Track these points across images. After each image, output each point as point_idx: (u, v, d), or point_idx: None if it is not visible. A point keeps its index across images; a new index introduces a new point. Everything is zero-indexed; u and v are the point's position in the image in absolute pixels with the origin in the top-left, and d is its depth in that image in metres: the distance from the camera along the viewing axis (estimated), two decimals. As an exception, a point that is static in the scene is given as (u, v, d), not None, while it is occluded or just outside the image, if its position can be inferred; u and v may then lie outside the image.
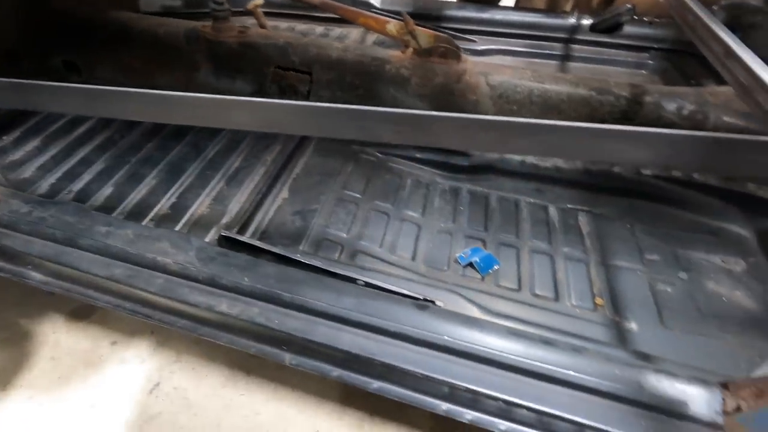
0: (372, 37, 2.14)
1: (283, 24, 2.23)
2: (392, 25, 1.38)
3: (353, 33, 2.18)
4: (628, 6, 1.98)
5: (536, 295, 1.11)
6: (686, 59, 2.01)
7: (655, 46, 2.07)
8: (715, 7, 1.96)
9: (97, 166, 1.35)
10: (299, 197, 1.28)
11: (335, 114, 0.63)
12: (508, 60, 2.13)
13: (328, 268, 0.97)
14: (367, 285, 0.94)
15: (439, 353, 0.78)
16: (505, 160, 1.45)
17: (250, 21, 1.70)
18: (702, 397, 0.72)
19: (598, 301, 1.10)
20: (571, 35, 2.12)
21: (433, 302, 0.94)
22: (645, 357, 0.95)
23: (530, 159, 1.44)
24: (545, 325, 1.02)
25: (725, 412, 0.68)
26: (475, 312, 1.02)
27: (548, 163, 1.43)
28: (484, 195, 1.39)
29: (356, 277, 0.97)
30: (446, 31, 2.16)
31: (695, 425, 0.70)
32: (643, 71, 2.06)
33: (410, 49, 1.42)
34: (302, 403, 1.22)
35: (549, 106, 1.37)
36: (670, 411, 0.71)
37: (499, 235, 1.26)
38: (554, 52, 2.13)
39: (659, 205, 1.36)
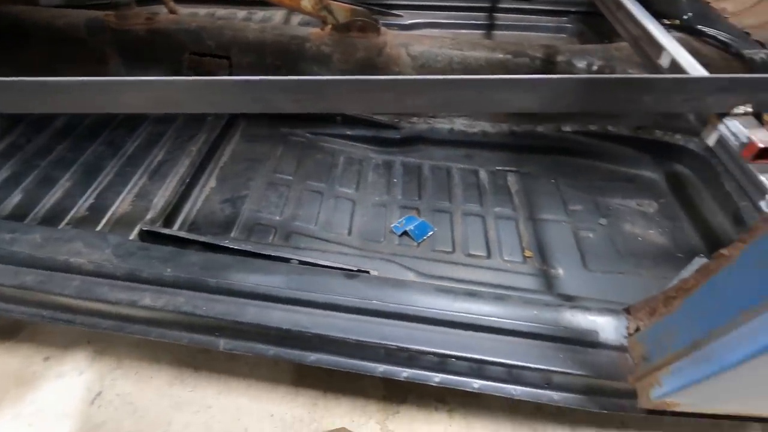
0: (297, 19, 2.09)
1: (203, 10, 2.13)
2: (307, 1, 1.36)
3: (277, 15, 2.12)
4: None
5: (470, 255, 1.15)
6: (600, 20, 2.10)
7: (572, 9, 2.15)
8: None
9: (2, 174, 1.25)
10: (228, 185, 1.25)
11: (229, 87, 0.62)
12: (435, 32, 2.14)
13: (258, 251, 0.96)
14: (301, 263, 0.94)
15: (370, 318, 0.80)
16: (435, 129, 1.47)
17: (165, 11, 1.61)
18: (610, 325, 0.78)
19: (527, 253, 1.16)
20: (494, 4, 2.16)
21: (367, 272, 0.96)
22: (568, 298, 1.02)
23: (458, 126, 1.48)
24: (478, 281, 1.06)
25: (629, 335, 0.74)
26: (410, 277, 1.05)
27: (476, 129, 1.47)
28: (416, 165, 1.41)
29: (290, 257, 0.97)
30: (373, 7, 2.15)
31: (605, 350, 0.76)
32: (563, 35, 2.14)
33: (329, 26, 1.40)
34: (255, 390, 1.21)
35: (469, 72, 1.40)
36: (584, 341, 0.77)
37: (433, 202, 1.29)
38: (479, 22, 2.17)
39: (580, 159, 1.44)
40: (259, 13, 2.13)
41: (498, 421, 1.11)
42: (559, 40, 2.12)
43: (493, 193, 1.33)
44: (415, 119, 1.49)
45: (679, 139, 1.37)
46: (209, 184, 1.25)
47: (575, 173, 1.40)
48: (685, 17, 1.59)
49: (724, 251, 0.54)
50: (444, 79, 0.62)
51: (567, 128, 1.46)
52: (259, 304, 0.81)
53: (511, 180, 1.39)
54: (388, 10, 2.15)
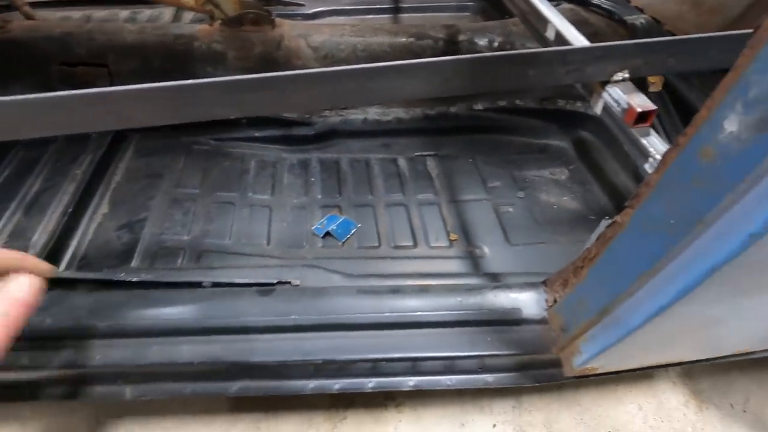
0: (190, 16, 1.92)
1: (77, 13, 1.89)
2: (188, -4, 1.23)
3: (166, 13, 1.93)
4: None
5: (397, 247, 1.13)
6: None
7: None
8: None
9: None
10: (123, 208, 1.12)
11: (70, 103, 0.52)
12: (341, 20, 2.08)
13: (162, 280, 0.86)
14: (215, 285, 0.86)
15: (290, 334, 0.74)
16: (349, 121, 1.42)
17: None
18: (531, 299, 0.79)
19: (453, 236, 1.16)
20: (396, -11, 2.13)
21: (288, 283, 0.90)
22: (494, 277, 1.03)
23: (372, 116, 1.44)
24: (406, 273, 1.04)
25: (548, 307, 0.75)
26: (336, 280, 1.00)
27: (390, 116, 1.44)
28: (334, 161, 1.36)
29: (201, 280, 0.88)
30: (272, -3, 2.04)
31: (529, 326, 0.77)
32: (467, 13, 2.17)
33: (218, 21, 1.29)
34: (189, 426, 1.11)
35: (375, 59, 1.36)
36: (509, 320, 0.77)
37: (355, 197, 1.25)
38: (384, 6, 2.13)
39: (494, 135, 1.46)
40: (146, 12, 1.93)
41: (446, 407, 1.11)
42: (463, 19, 2.15)
43: (414, 180, 1.32)
44: (327, 113, 1.43)
45: (579, 106, 1.43)
46: (101, 209, 1.11)
47: (491, 150, 1.42)
48: (573, -12, 1.66)
49: (617, 218, 0.54)
50: (321, 72, 0.57)
51: (479, 106, 1.47)
52: (163, 341, 0.72)
53: (431, 164, 1.38)
54: (290, 0, 2.05)
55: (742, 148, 0.37)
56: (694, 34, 0.62)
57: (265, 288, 0.81)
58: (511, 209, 1.23)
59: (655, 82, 1.26)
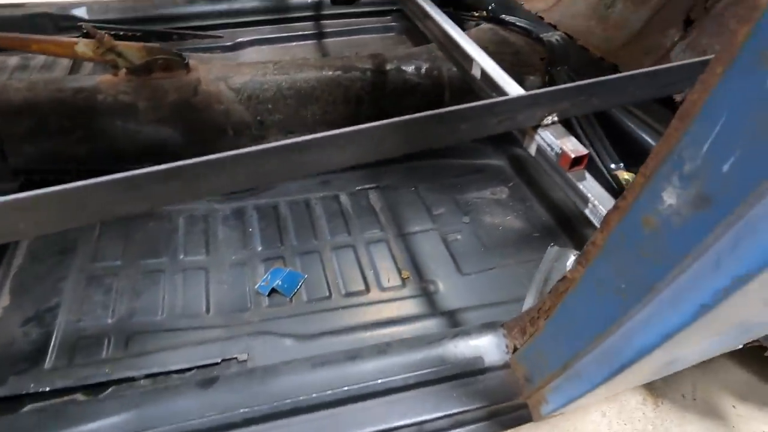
0: (89, 65, 1.75)
1: (-47, 65, 1.66)
2: (83, 45, 1.11)
3: (63, 61, 1.75)
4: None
5: (348, 294, 1.07)
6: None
7: (393, 8, 2.19)
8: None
9: None
10: (29, 297, 0.97)
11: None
12: (264, 49, 2.00)
13: (84, 384, 0.75)
14: (149, 377, 0.76)
15: (241, 430, 0.67)
16: (282, 161, 1.35)
17: None
18: (492, 344, 0.77)
19: (405, 274, 1.12)
20: (317, 12, 2.09)
21: (234, 359, 0.81)
22: (451, 315, 1.01)
23: (307, 153, 1.38)
24: (362, 324, 0.99)
25: (510, 353, 0.73)
26: (288, 345, 0.93)
27: (326, 151, 1.39)
28: (271, 206, 1.28)
29: (132, 374, 0.78)
30: (187, 32, 1.92)
31: (493, 373, 0.74)
32: (391, 33, 2.17)
33: (123, 70, 1.17)
34: None
35: (304, 96, 1.30)
36: (473, 371, 0.74)
37: (298, 244, 1.18)
38: (307, 32, 2.08)
39: (432, 160, 1.46)
40: (39, 58, 1.73)
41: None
42: (389, 40, 2.15)
43: (359, 217, 1.27)
44: (258, 155, 1.34)
45: (511, 124, 1.46)
46: (0, 302, 0.96)
47: (431, 175, 1.41)
48: (489, 8, 1.71)
49: (567, 274, 0.53)
50: (240, 154, 0.51)
51: (414, 132, 1.46)
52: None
53: (374, 197, 1.34)
54: (206, 33, 1.94)
55: (683, 222, 0.36)
56: (613, 75, 0.63)
57: (207, 377, 0.72)
58: (459, 237, 1.23)
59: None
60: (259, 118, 1.28)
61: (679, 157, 0.36)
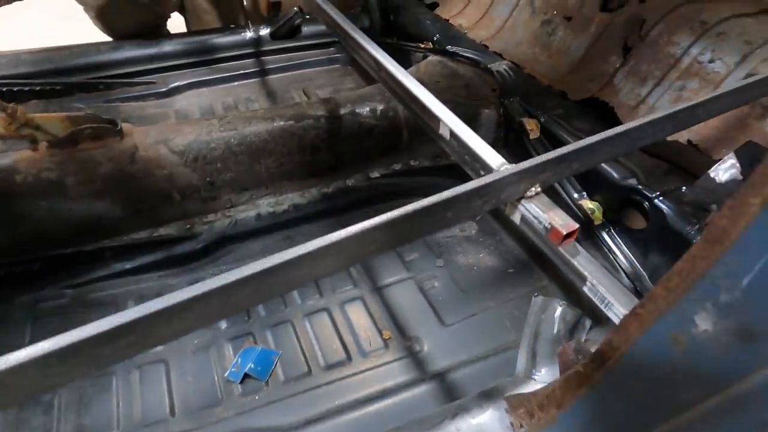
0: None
1: None
2: (-8, 123, 0.96)
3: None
4: (296, 9, 1.96)
5: (329, 367, 0.99)
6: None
7: (335, 39, 2.14)
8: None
9: None
10: (-53, 434, 0.81)
11: None
12: (204, 92, 1.88)
13: None
14: None
15: None
16: (240, 222, 1.25)
17: None
18: (495, 420, 0.72)
19: (386, 334, 1.06)
20: (257, 48, 2.00)
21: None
22: (441, 377, 0.96)
23: (265, 209, 1.28)
24: (346, 404, 0.91)
25: (515, 429, 0.69)
26: (270, 441, 0.83)
27: (285, 205, 1.30)
28: (232, 273, 1.17)
29: None
30: (115, 81, 1.76)
31: (500, 453, 0.70)
32: (337, 65, 2.13)
33: (44, 144, 1.03)
34: None
35: (255, 151, 1.21)
36: (479, 454, 0.69)
37: (267, 316, 1.09)
38: (249, 70, 1.98)
39: (397, 201, 1.41)
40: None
41: None
42: (336, 71, 2.11)
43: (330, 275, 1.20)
44: (211, 216, 1.24)
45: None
46: None
47: (398, 218, 1.37)
48: (435, 38, 1.70)
49: (580, 367, 0.50)
50: (196, 296, 0.43)
51: (375, 174, 1.41)
52: None
53: (342, 249, 1.27)
54: (136, 80, 1.79)
55: (724, 352, 0.33)
56: (591, 140, 0.61)
57: None
58: (435, 284, 1.18)
59: (534, 129, 1.33)
60: (208, 179, 1.18)
61: (712, 284, 0.33)
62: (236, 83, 1.96)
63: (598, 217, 1.17)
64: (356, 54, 1.06)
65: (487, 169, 0.67)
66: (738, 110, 1.10)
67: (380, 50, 0.97)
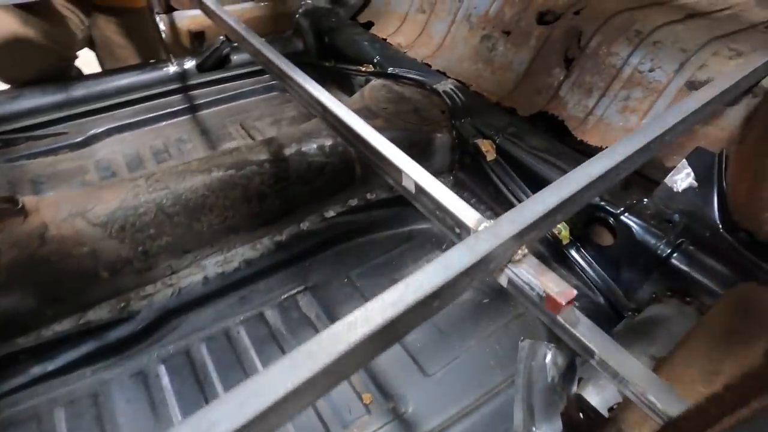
0: None
1: None
2: None
3: None
4: (221, 37, 1.82)
5: (308, 448, 0.88)
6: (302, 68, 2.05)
7: (255, 68, 2.02)
8: (297, 15, 2.03)
9: None
10: None
11: None
12: (127, 138, 1.69)
13: None
14: None
15: None
16: (184, 290, 1.10)
17: None
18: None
19: (366, 398, 0.97)
20: (183, 83, 1.83)
21: None
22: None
23: (212, 269, 1.14)
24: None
25: None
26: None
27: (235, 262, 1.17)
28: (182, 352, 1.03)
29: None
30: (17, 135, 1.54)
31: None
32: (275, 93, 2.00)
33: None
34: None
35: (194, 209, 1.08)
36: None
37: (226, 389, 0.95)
38: (178, 107, 1.81)
39: (358, 239, 1.32)
40: None
41: None
42: (275, 99, 1.98)
43: (293, 334, 1.08)
44: (149, 288, 1.08)
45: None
46: None
47: (361, 258, 1.28)
48: (375, 60, 1.63)
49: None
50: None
51: (330, 213, 1.31)
52: None
53: (305, 303, 1.16)
54: (45, 132, 1.58)
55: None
56: (571, 191, 0.56)
57: None
58: (411, 328, 1.10)
59: (489, 150, 1.29)
60: (141, 248, 1.03)
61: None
62: (164, 123, 1.78)
63: (565, 236, 1.15)
64: (292, 90, 0.97)
65: (464, 228, 0.59)
66: (683, 117, 1.12)
67: (318, 87, 0.88)
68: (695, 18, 1.28)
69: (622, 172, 0.64)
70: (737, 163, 0.99)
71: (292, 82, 0.93)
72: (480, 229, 0.58)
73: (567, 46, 1.34)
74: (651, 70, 1.16)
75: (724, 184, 0.99)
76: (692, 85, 1.10)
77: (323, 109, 0.85)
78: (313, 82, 0.89)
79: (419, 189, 0.67)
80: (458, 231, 0.63)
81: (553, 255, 1.18)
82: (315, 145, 1.24)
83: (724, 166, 1.00)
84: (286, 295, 1.17)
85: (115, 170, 1.55)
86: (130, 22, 1.97)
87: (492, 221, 0.57)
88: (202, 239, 1.12)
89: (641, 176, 1.14)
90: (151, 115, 1.75)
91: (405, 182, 0.70)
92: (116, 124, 1.69)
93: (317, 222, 1.29)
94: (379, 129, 1.26)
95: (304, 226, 1.27)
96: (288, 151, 1.20)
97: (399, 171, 0.70)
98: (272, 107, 1.95)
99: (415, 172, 0.68)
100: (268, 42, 2.14)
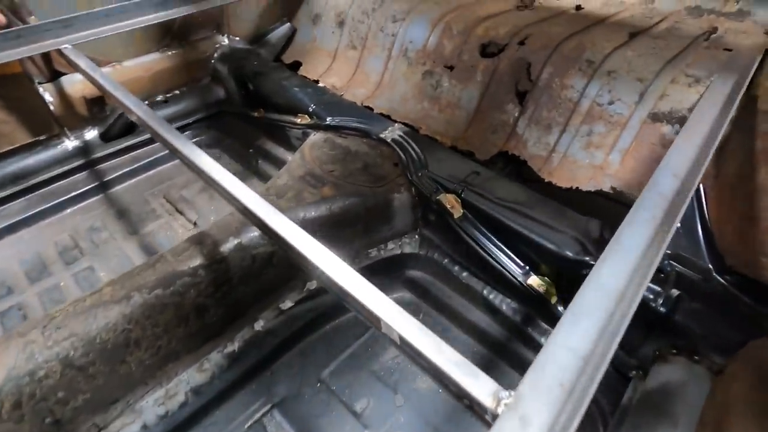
0: None
1: None
2: None
3: None
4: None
5: None
6: (226, 119, 1.83)
7: (191, 121, 1.78)
8: (213, 60, 1.81)
9: None
10: None
11: None
12: (24, 237, 1.40)
13: None
14: None
15: None
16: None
17: None
18: None
19: None
20: (87, 158, 1.56)
21: None
22: None
23: (152, 411, 0.92)
24: None
25: None
26: None
27: (179, 395, 0.95)
28: None
29: None
30: None
31: None
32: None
33: None
34: None
35: (115, 352, 0.85)
36: None
37: None
38: (82, 189, 1.54)
39: (323, 329, 1.15)
40: None
41: None
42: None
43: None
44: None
45: (391, 248, 1.24)
46: None
47: (330, 350, 1.11)
48: (311, 109, 1.46)
49: None
50: None
51: (287, 304, 1.12)
52: None
53: (274, 425, 0.97)
54: None
55: None
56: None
57: None
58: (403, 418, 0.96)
59: (455, 206, 1.16)
60: (49, 419, 0.79)
61: None
62: (69, 210, 1.51)
63: (552, 293, 1.05)
64: (191, 168, 0.80)
65: (480, 408, 0.45)
66: (652, 150, 1.06)
67: (224, 172, 0.73)
68: (638, 37, 1.23)
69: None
70: (717, 201, 0.93)
71: (187, 159, 0.78)
72: (500, 410, 0.44)
73: (516, 78, 1.24)
74: (611, 103, 1.09)
75: (708, 223, 0.93)
76: (656, 117, 1.03)
77: (228, 194, 0.71)
78: (214, 163, 0.75)
79: (405, 342, 0.52)
80: (467, 402, 0.48)
81: (541, 314, 1.08)
82: (257, 233, 1.05)
83: (703, 202, 0.94)
84: (251, 422, 0.97)
85: (12, 285, 1.27)
86: (8, 91, 1.66)
87: (511, 394, 0.44)
88: (132, 381, 0.90)
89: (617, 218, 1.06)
90: (50, 204, 1.47)
91: (385, 329, 0.55)
92: (6, 223, 1.39)
93: (273, 318, 1.10)
94: (330, 198, 1.09)
95: (259, 326, 1.08)
96: (226, 248, 1.00)
97: (377, 318, 0.54)
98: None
99: (397, 320, 0.53)
100: (183, 94, 1.89)
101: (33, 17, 1.38)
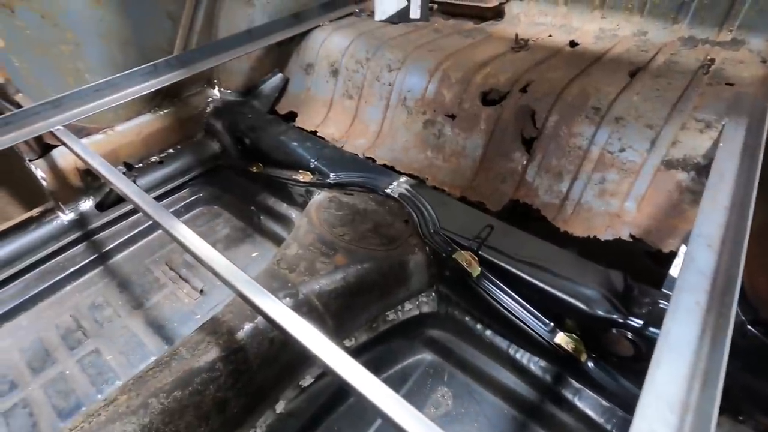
0: None
1: None
2: None
3: None
4: (120, 167, 1.52)
5: None
6: (210, 179, 1.80)
7: (187, 178, 1.74)
8: (206, 115, 1.78)
9: None
10: None
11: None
12: (23, 322, 1.34)
13: None
14: None
15: None
16: None
17: None
18: None
19: None
20: (83, 230, 1.51)
21: None
22: None
23: None
24: None
25: None
26: None
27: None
28: None
29: None
30: None
31: None
32: (199, 207, 1.73)
33: None
34: None
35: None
36: None
37: None
38: (83, 263, 1.49)
39: (347, 402, 1.11)
40: None
41: None
42: (200, 218, 1.71)
43: None
44: None
45: (409, 310, 1.21)
46: None
47: (358, 423, 1.06)
48: (312, 165, 1.43)
49: None
50: None
51: (308, 380, 1.08)
52: None
53: None
54: None
55: None
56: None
57: None
58: None
59: (472, 264, 1.13)
60: None
61: None
62: (68, 288, 1.45)
63: (581, 350, 1.02)
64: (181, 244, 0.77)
65: None
66: (668, 197, 1.04)
67: (216, 254, 0.70)
68: (639, 76, 1.22)
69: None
70: (747, 252, 0.91)
71: (181, 242, 0.75)
72: None
73: (521, 126, 1.23)
74: (622, 150, 1.07)
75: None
76: (671, 164, 1.02)
77: (222, 279, 0.69)
78: (206, 244, 0.73)
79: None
80: None
81: (571, 372, 1.05)
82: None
83: (730, 252, 0.92)
84: None
85: (14, 378, 1.20)
86: (-4, 165, 1.60)
87: None
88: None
89: (634, 267, 1.04)
90: (47, 283, 1.41)
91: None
92: (3, 310, 1.33)
93: (294, 397, 1.05)
94: (343, 266, 1.06)
95: (281, 407, 1.03)
96: (242, 335, 0.96)
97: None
98: (200, 228, 1.67)
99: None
100: (177, 152, 1.85)
101: (21, 94, 1.34)
